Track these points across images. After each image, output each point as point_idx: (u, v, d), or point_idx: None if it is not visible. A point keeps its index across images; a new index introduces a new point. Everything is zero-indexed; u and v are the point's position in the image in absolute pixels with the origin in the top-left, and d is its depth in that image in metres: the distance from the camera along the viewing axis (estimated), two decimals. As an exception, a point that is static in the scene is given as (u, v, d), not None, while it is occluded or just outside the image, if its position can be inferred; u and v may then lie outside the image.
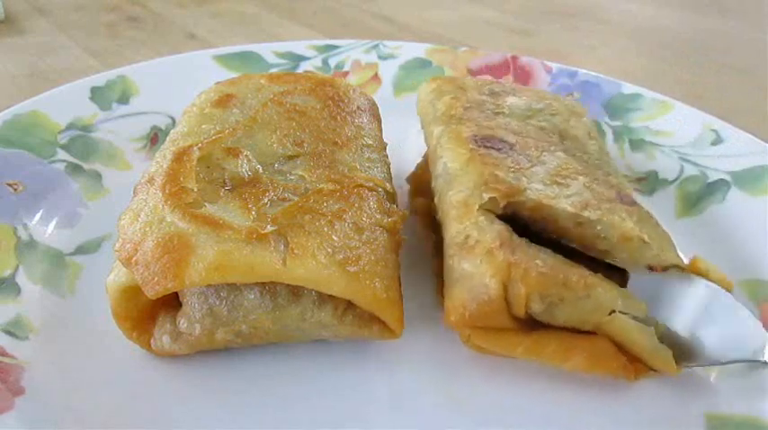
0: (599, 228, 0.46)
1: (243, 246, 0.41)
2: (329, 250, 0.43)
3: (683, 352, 0.45)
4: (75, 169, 0.65)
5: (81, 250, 0.57)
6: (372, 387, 0.47)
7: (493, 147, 0.52)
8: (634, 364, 0.45)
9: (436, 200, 0.52)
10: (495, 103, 0.60)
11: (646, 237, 0.46)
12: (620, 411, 0.46)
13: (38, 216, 0.59)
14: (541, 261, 0.43)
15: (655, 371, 0.45)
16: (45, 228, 0.58)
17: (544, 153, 0.52)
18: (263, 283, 0.43)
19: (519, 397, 0.46)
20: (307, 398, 0.45)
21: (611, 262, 0.48)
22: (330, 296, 0.44)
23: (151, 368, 0.46)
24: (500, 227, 0.45)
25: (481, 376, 0.48)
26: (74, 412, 0.43)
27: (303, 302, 0.44)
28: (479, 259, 0.43)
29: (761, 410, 0.44)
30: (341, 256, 0.43)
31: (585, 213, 0.46)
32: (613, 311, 0.43)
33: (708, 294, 0.47)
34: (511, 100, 0.61)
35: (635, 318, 0.44)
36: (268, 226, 0.43)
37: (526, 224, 0.47)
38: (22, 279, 0.52)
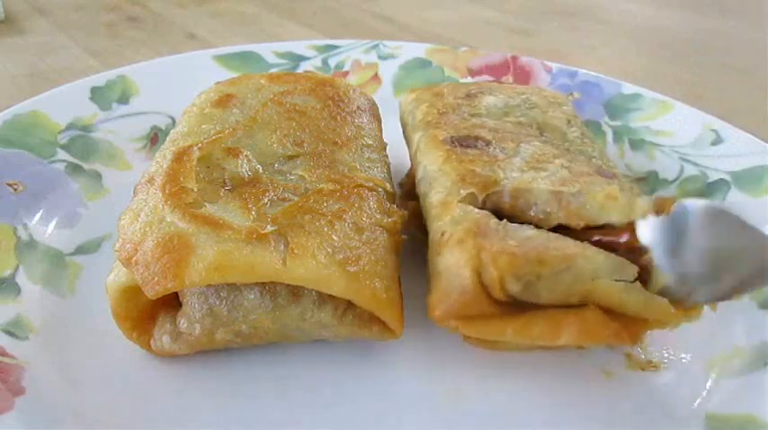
0: (581, 199, 0.45)
1: (243, 246, 0.41)
2: (329, 250, 0.43)
3: (693, 292, 0.43)
4: (75, 169, 0.65)
5: (81, 250, 0.57)
6: (372, 387, 0.47)
7: (468, 146, 0.52)
8: (629, 329, 0.43)
9: (421, 203, 0.52)
10: (471, 105, 0.60)
11: (630, 194, 0.45)
12: (620, 411, 0.46)
13: (38, 216, 0.59)
14: (517, 241, 0.42)
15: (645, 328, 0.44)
16: (45, 228, 0.58)
17: (521, 144, 0.53)
18: (263, 283, 0.43)
19: (519, 397, 0.46)
20: (306, 398, 0.45)
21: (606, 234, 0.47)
22: (330, 296, 0.44)
23: (151, 368, 0.46)
24: (478, 215, 0.45)
25: (481, 376, 0.48)
26: (74, 412, 0.43)
27: (303, 302, 0.44)
28: (452, 250, 0.43)
29: (761, 410, 0.44)
30: (341, 256, 0.43)
31: (564, 188, 0.46)
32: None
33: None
34: (487, 100, 0.61)
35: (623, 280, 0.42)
36: (268, 226, 0.43)
37: (509, 217, 0.47)
38: (22, 279, 0.52)
